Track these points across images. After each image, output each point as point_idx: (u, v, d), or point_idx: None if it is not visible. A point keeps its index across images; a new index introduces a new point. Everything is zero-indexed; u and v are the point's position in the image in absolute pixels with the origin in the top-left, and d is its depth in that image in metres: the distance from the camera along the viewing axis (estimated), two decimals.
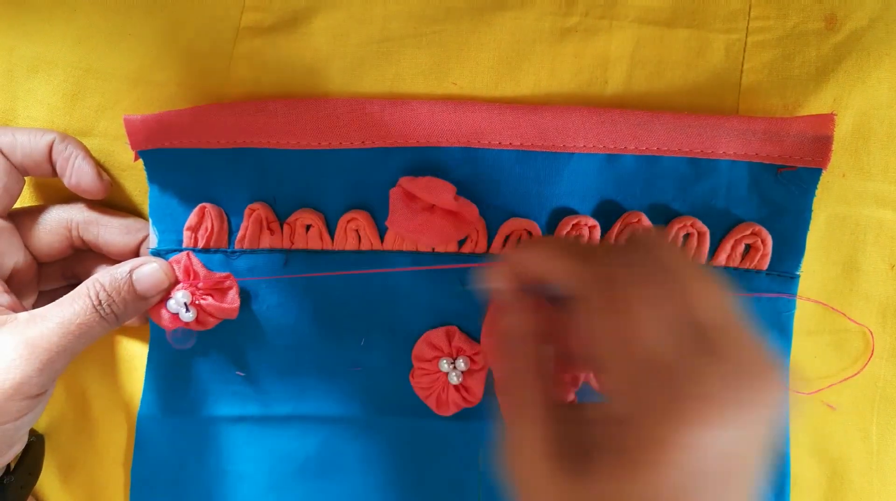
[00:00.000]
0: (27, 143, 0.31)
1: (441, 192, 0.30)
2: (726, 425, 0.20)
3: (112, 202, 0.35)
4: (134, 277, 0.30)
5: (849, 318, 0.33)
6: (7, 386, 0.27)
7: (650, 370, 0.21)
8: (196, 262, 0.32)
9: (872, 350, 0.33)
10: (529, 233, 0.32)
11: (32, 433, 0.35)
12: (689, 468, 0.20)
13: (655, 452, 0.20)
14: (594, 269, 0.24)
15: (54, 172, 0.32)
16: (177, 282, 0.32)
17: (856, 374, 0.33)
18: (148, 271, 0.31)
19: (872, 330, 0.33)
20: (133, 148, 0.32)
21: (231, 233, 0.33)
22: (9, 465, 0.33)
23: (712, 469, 0.20)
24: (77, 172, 0.32)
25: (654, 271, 0.23)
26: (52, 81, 0.34)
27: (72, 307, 0.29)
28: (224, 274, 0.32)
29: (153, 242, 0.33)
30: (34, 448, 0.34)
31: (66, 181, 0.32)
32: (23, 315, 0.29)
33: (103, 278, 0.30)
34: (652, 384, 0.21)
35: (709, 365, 0.21)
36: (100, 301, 0.29)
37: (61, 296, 0.34)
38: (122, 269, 0.30)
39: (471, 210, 0.31)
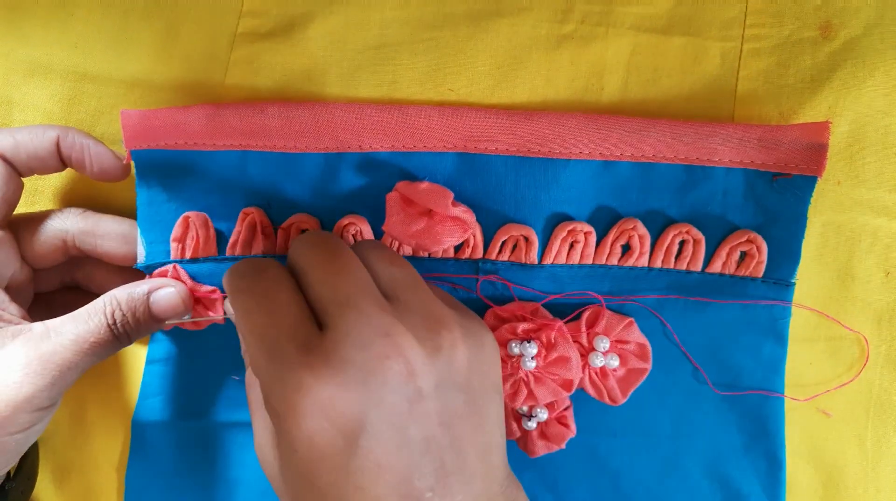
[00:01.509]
0: (30, 142, 0.31)
1: (438, 197, 0.30)
2: (337, 385, 0.22)
3: (108, 202, 0.35)
4: (151, 299, 0.30)
5: (844, 325, 0.33)
6: (20, 399, 0.27)
7: (273, 351, 0.24)
8: (183, 274, 0.32)
9: (867, 357, 0.33)
10: (526, 239, 0.32)
11: None
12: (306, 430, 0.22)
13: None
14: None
15: (61, 167, 0.32)
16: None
17: (851, 380, 0.33)
18: (165, 294, 0.31)
19: (867, 337, 0.33)
20: (127, 146, 0.32)
21: (222, 239, 0.33)
22: (8, 471, 0.33)
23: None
24: (98, 160, 0.31)
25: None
26: (49, 86, 0.34)
27: (87, 324, 0.29)
28: (210, 288, 0.32)
29: (141, 255, 0.32)
30: (31, 453, 0.34)
31: (88, 171, 0.32)
32: (37, 327, 0.29)
33: (121, 296, 0.30)
34: (275, 362, 0.24)
35: (320, 337, 0.24)
36: (114, 320, 0.29)
37: (57, 300, 0.34)
38: (141, 289, 0.30)
39: (468, 216, 0.31)
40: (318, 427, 0.22)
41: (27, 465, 0.34)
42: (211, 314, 0.32)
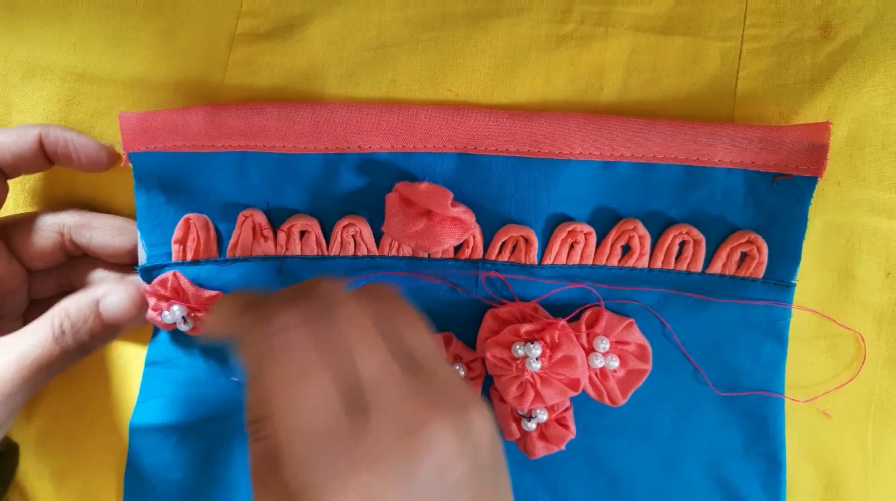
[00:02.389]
0: (13, 143, 0.31)
1: (437, 198, 0.30)
2: (383, 479, 0.21)
3: (108, 207, 0.35)
4: (101, 306, 0.30)
5: (841, 324, 0.33)
6: None
7: (311, 440, 0.21)
8: (184, 281, 0.32)
9: (864, 355, 0.33)
10: (525, 240, 0.32)
11: (4, 442, 0.34)
12: None
13: None
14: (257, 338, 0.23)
15: (48, 165, 0.32)
16: (166, 299, 0.32)
17: (849, 381, 0.33)
18: (114, 299, 0.30)
19: (867, 338, 0.33)
20: (125, 148, 0.31)
21: (221, 240, 0.33)
22: None
23: None
24: (84, 152, 0.31)
25: (311, 331, 0.23)
26: (48, 87, 0.34)
27: (31, 339, 0.28)
28: (214, 293, 0.32)
29: (142, 258, 0.32)
30: (6, 459, 0.34)
31: (76, 165, 0.32)
32: None
33: (69, 305, 0.29)
34: (314, 452, 0.21)
35: (361, 424, 0.21)
36: (63, 331, 0.28)
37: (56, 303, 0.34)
38: (89, 296, 0.30)
39: (467, 216, 0.31)
40: None
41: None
42: None
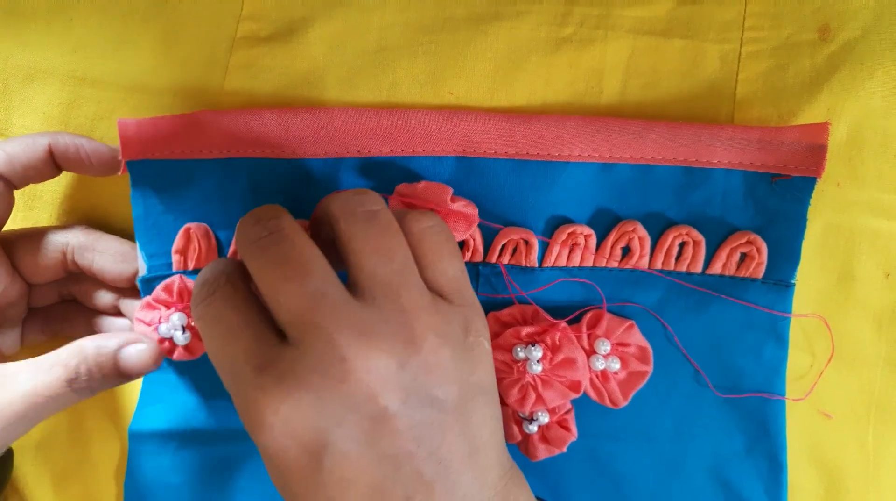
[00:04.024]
0: (23, 153, 0.30)
1: (437, 193, 0.30)
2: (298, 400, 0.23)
3: (111, 218, 0.34)
4: (121, 355, 0.29)
5: (828, 321, 0.33)
6: None
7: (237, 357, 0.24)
8: (191, 284, 0.31)
9: (832, 339, 0.33)
10: (526, 242, 0.32)
11: None
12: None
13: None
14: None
15: (57, 172, 0.32)
16: (170, 305, 0.32)
17: (825, 368, 0.33)
18: (136, 352, 0.29)
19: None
20: (123, 156, 0.31)
21: (222, 249, 0.32)
22: None
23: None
24: (96, 156, 0.31)
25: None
26: (48, 90, 0.34)
27: (46, 377, 0.27)
28: None
29: (142, 269, 0.32)
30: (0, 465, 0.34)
31: (88, 170, 0.31)
32: None
33: (88, 347, 0.28)
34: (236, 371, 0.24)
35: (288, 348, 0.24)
36: (77, 375, 0.28)
37: (55, 313, 0.34)
38: (111, 344, 0.29)
39: (470, 209, 0.31)
40: (282, 445, 0.23)
41: None
42: None
